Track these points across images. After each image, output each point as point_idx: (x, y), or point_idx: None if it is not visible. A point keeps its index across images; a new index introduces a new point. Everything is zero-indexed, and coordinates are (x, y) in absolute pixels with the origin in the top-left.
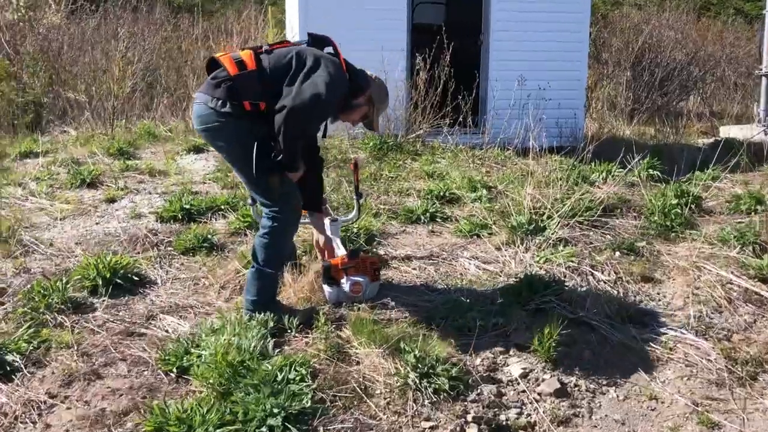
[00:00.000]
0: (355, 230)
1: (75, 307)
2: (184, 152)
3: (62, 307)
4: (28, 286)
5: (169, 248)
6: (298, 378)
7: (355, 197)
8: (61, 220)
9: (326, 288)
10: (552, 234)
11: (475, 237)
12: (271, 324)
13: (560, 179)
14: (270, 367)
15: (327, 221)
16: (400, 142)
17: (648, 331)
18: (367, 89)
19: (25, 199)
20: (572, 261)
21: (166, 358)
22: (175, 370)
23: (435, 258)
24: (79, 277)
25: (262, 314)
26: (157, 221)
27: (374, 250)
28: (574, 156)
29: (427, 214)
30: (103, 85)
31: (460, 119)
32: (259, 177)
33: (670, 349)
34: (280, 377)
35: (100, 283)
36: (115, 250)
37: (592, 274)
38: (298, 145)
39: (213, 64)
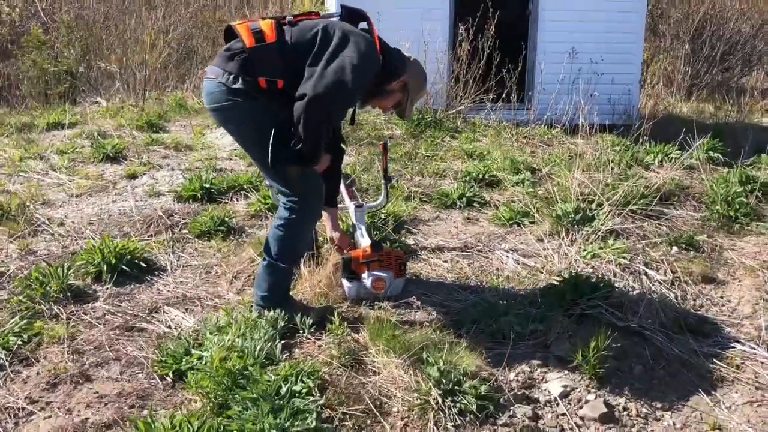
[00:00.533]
0: (382, 216)
1: (75, 296)
2: (214, 126)
3: (60, 296)
4: (29, 270)
5: (184, 231)
6: (304, 391)
7: (383, 181)
8: (77, 197)
9: (345, 283)
10: (601, 225)
11: (516, 226)
12: (282, 323)
13: (612, 162)
14: (273, 378)
15: (352, 206)
16: (439, 118)
17: (710, 344)
18: (402, 74)
19: (45, 174)
20: (623, 257)
21: (163, 359)
22: (171, 374)
23: (469, 250)
24: (83, 262)
25: (273, 312)
26: (175, 201)
27: (402, 238)
28: (628, 136)
29: (464, 199)
30: (136, 55)
31: (505, 94)
32: (275, 166)
33: (737, 366)
34: (284, 389)
35: (105, 269)
36: (127, 231)
37: (646, 274)
38: (320, 136)
39: (230, 34)
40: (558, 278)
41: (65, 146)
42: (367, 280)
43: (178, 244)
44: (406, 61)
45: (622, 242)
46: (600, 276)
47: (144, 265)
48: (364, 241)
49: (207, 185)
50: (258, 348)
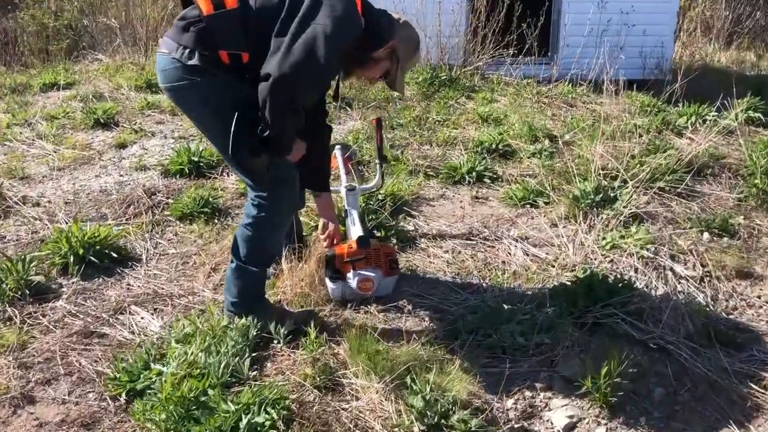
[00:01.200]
0: (380, 197)
1: (35, 294)
2: None
3: (18, 294)
4: None
5: (166, 212)
6: (267, 424)
7: (378, 161)
8: (59, 170)
9: (328, 283)
10: (624, 207)
11: (528, 207)
12: (254, 332)
13: (639, 128)
14: (233, 408)
15: (343, 190)
16: (454, 75)
17: (744, 359)
18: (390, 38)
19: (31, 143)
20: (647, 249)
21: (117, 376)
22: (124, 395)
23: (474, 237)
24: (49, 252)
25: (244, 319)
26: (161, 175)
27: (401, 224)
28: (659, 95)
29: (473, 174)
30: (137, 8)
31: (526, 49)
32: (238, 156)
33: None
34: (243, 423)
35: (72, 261)
36: (105, 213)
37: (672, 269)
38: (287, 121)
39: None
40: (571, 276)
41: (57, 110)
42: (352, 280)
43: (158, 228)
44: (394, 24)
45: (646, 230)
46: (618, 275)
47: (115, 255)
48: (355, 229)
49: (195, 158)
50: (222, 365)
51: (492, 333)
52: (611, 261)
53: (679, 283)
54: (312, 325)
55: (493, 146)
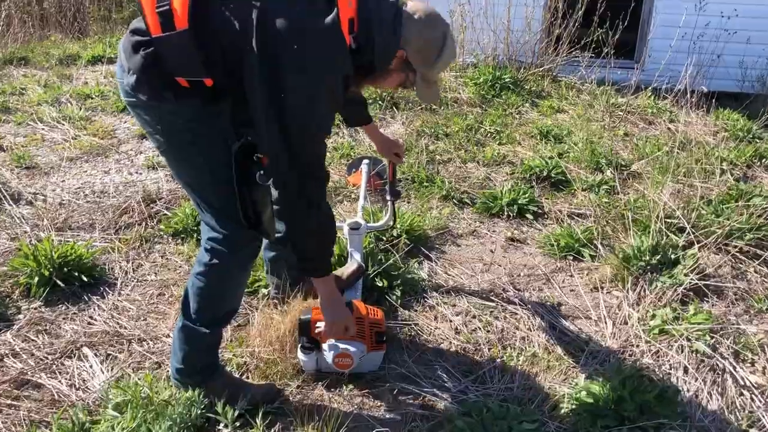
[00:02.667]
0: (395, 233)
1: None
2: None
3: None
4: None
5: (160, 227)
6: None
7: (388, 197)
8: (70, 160)
9: (300, 354)
10: (685, 275)
11: (571, 259)
12: (197, 411)
13: (724, 161)
14: None
15: (346, 228)
16: (520, 78)
17: None
18: (395, 49)
19: (54, 126)
20: (704, 341)
21: None
22: None
23: (495, 298)
24: (15, 268)
25: (190, 392)
26: (171, 178)
27: (414, 269)
28: (757, 115)
29: (514, 207)
30: None
31: (607, 51)
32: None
33: None
34: None
35: (36, 282)
36: (94, 222)
37: (733, 374)
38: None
39: None
40: (601, 372)
41: (93, 89)
42: (328, 353)
43: (145, 246)
44: (400, 27)
45: (707, 314)
46: (663, 376)
47: (86, 279)
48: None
49: None
50: None
51: None
52: (656, 353)
53: (741, 395)
54: (268, 405)
55: (545, 173)
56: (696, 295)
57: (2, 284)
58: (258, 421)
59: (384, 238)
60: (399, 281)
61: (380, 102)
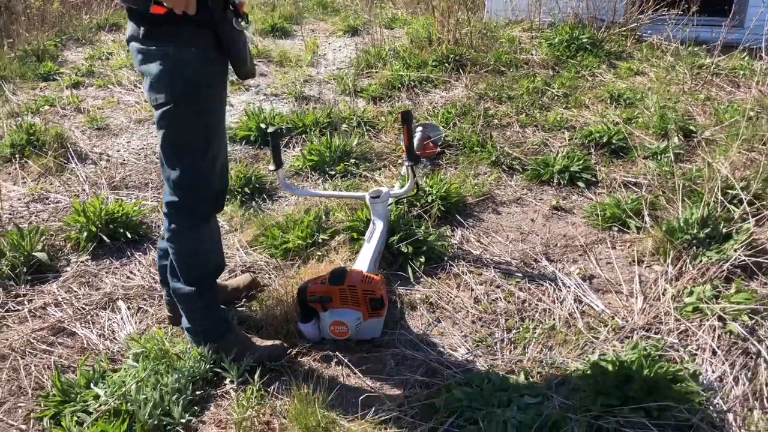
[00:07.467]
0: (430, 199)
1: (36, 272)
2: (340, 33)
3: (14, 273)
4: (11, 227)
5: None
6: None
7: (406, 162)
8: (138, 122)
9: (301, 325)
10: (735, 250)
11: (615, 230)
12: (206, 366)
13: None
14: None
15: (367, 197)
16: (600, 37)
17: None
18: None
19: (132, 89)
20: (741, 321)
21: (46, 396)
22: (48, 419)
23: (526, 268)
24: (68, 224)
25: (201, 347)
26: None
27: (447, 234)
28: None
29: (566, 174)
30: None
31: (699, 5)
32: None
33: None
34: None
35: (84, 237)
36: (147, 182)
37: (767, 359)
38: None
39: None
40: (618, 349)
41: None
42: (325, 321)
43: None
44: None
45: (750, 293)
46: (684, 357)
47: (130, 235)
48: (364, 250)
49: (264, 125)
50: (150, 405)
51: (479, 419)
52: (684, 332)
53: None
54: (273, 363)
55: (605, 138)
56: (744, 272)
57: (57, 238)
58: (256, 378)
59: (418, 204)
60: (425, 248)
61: (446, 64)
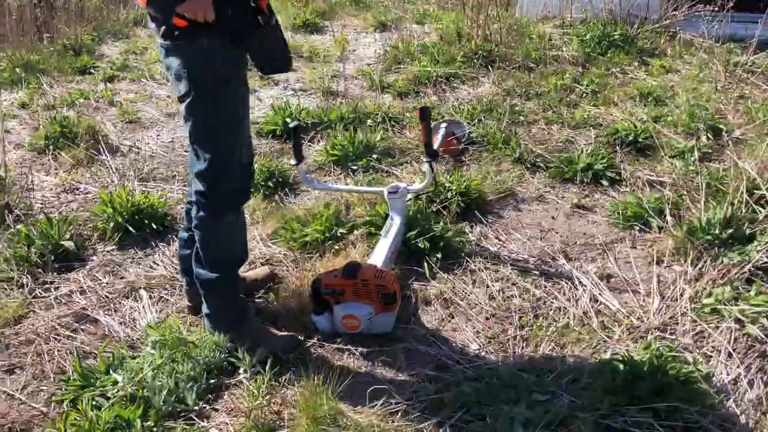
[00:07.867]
0: (449, 195)
1: (62, 261)
2: (371, 28)
3: (42, 260)
4: (41, 216)
5: None
6: None
7: (425, 158)
8: (169, 116)
9: (313, 317)
10: (757, 252)
11: (637, 230)
12: (220, 355)
13: None
14: None
15: (385, 192)
16: (633, 33)
17: None
18: None
19: (163, 84)
20: (759, 324)
21: (67, 380)
22: (67, 405)
23: (543, 266)
24: (95, 214)
25: (217, 336)
26: (254, 135)
27: (467, 229)
28: None
29: (590, 173)
30: None
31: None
32: None
33: None
34: None
35: (111, 227)
36: (175, 174)
37: None
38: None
39: None
40: (632, 350)
41: None
42: (337, 315)
43: None
44: None
45: None
46: (698, 359)
47: (155, 226)
48: (381, 245)
49: (289, 119)
50: (165, 392)
51: (487, 415)
52: (699, 334)
53: None
54: (286, 355)
55: (631, 136)
56: (766, 275)
57: (84, 228)
58: (268, 368)
59: (437, 200)
60: (442, 244)
61: (475, 60)
